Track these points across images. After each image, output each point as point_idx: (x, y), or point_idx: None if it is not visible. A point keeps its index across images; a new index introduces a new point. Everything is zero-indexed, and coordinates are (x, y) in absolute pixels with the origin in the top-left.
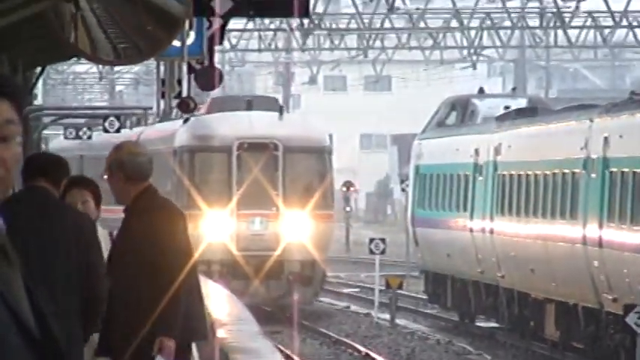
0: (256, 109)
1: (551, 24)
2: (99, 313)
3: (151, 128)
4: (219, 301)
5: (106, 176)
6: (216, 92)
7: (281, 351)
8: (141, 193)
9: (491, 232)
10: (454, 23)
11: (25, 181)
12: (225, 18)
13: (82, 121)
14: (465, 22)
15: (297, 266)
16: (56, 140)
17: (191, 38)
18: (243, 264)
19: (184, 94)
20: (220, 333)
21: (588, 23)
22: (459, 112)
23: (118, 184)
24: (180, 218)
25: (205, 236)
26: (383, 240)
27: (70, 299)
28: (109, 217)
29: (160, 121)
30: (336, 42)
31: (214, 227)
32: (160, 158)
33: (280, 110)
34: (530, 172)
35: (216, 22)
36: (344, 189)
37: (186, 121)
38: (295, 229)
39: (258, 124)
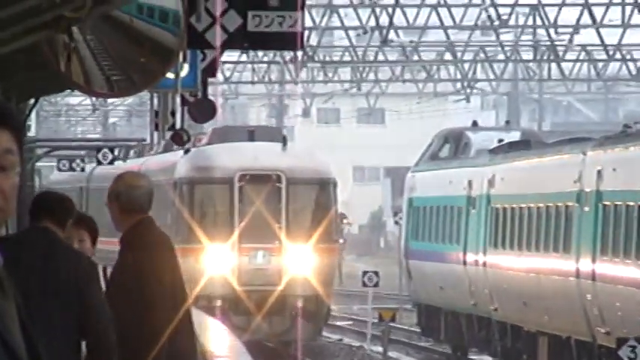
0: (259, 140)
1: (545, 57)
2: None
3: (153, 159)
4: (212, 334)
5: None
6: (209, 124)
7: None
8: (135, 225)
9: (484, 264)
10: (448, 56)
11: (32, 220)
12: (220, 50)
13: (77, 152)
14: (459, 55)
15: (300, 301)
16: (56, 172)
17: (185, 70)
18: (245, 299)
19: (178, 126)
20: None
21: (582, 56)
22: (453, 145)
23: (115, 214)
24: (170, 254)
25: (206, 270)
26: (376, 273)
27: (67, 342)
28: (106, 249)
29: (163, 152)
30: (330, 74)
31: (215, 261)
32: (161, 190)
33: (284, 141)
34: (523, 205)
35: (211, 55)
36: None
37: (187, 152)
38: (299, 263)
39: (261, 155)
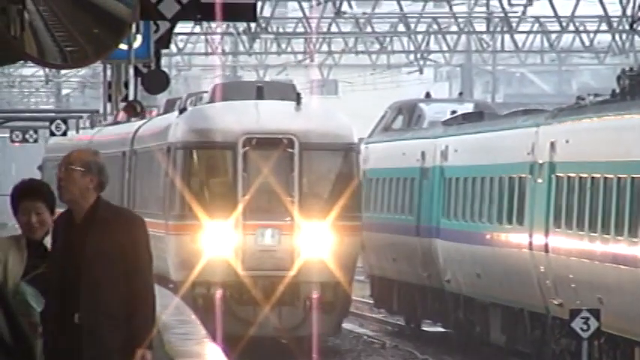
0: (268, 98)
1: (498, 29)
2: None
3: (150, 122)
4: (165, 303)
5: (70, 170)
6: (162, 96)
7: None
8: (96, 201)
9: (438, 236)
10: (401, 27)
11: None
12: (173, 21)
13: (30, 124)
14: (412, 26)
15: (316, 289)
16: (52, 139)
17: (138, 41)
18: (251, 286)
19: (131, 97)
20: (166, 336)
21: (535, 28)
22: (406, 117)
23: (87, 187)
24: (145, 225)
25: (204, 252)
26: None
27: None
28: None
29: (163, 114)
30: (283, 46)
31: (215, 241)
32: (152, 157)
33: (298, 99)
34: (476, 177)
35: (164, 26)
36: None
37: (182, 111)
38: (314, 243)
39: (270, 115)
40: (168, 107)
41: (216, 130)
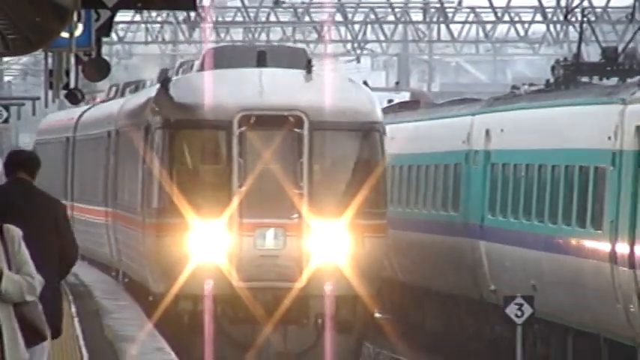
0: (272, 65)
1: (435, 19)
2: (69, 264)
3: (133, 97)
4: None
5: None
6: (102, 83)
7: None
8: None
9: None
10: (338, 17)
11: (9, 174)
12: (114, 10)
13: None
14: (350, 16)
15: (330, 304)
16: (44, 121)
17: (79, 30)
18: (249, 301)
19: (72, 85)
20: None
21: (471, 18)
22: None
23: None
24: None
25: (191, 258)
26: None
27: (52, 267)
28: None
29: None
30: (222, 35)
31: (204, 244)
32: (128, 140)
33: (308, 67)
34: (412, 164)
35: (105, 14)
36: None
37: (165, 82)
38: (328, 247)
39: (274, 86)
40: (161, 76)
41: (205, 105)
